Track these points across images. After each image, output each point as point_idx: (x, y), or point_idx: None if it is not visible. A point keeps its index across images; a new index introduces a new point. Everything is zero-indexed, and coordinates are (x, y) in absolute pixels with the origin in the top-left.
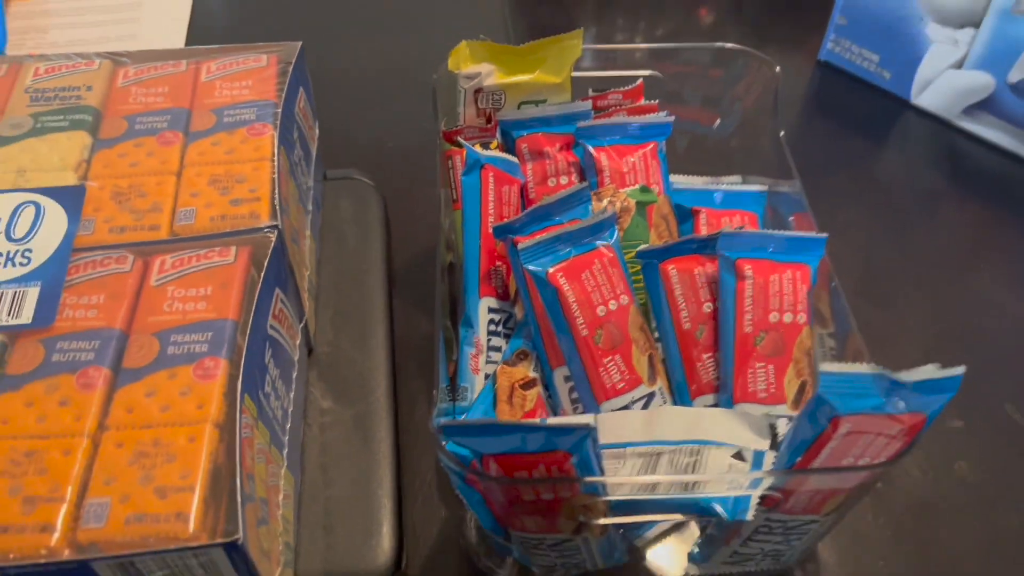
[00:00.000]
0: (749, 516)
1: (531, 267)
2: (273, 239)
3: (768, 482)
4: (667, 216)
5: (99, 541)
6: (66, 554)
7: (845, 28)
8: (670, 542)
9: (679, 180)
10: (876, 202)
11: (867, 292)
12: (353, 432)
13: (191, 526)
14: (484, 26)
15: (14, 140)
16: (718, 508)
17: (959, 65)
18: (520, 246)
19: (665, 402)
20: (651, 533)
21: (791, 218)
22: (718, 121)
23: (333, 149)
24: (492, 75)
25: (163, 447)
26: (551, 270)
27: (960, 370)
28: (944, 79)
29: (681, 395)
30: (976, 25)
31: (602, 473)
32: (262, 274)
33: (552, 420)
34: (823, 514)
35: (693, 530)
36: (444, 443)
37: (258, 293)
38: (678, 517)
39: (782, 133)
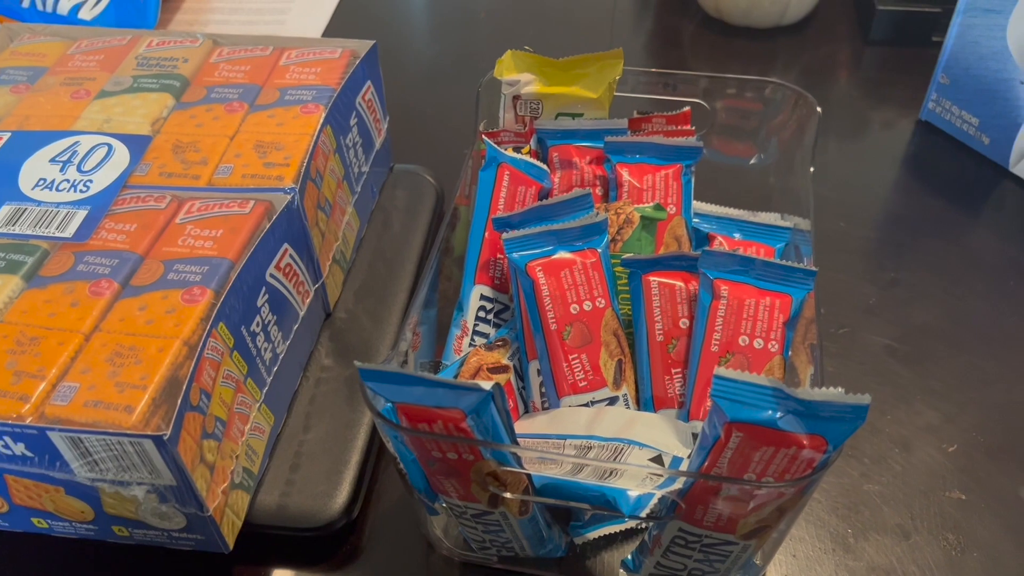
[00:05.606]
0: (643, 513)
1: (513, 256)
2: (288, 199)
3: (657, 481)
4: (680, 237)
5: (60, 416)
6: (29, 420)
7: (947, 88)
8: (612, 547)
9: (708, 208)
10: (958, 268)
11: (906, 349)
12: (343, 390)
13: (133, 418)
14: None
15: (112, 95)
16: (618, 501)
17: None
18: (505, 236)
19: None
20: (592, 534)
21: (807, 259)
22: (756, 155)
23: (411, 146)
24: (531, 84)
25: (136, 352)
26: (531, 263)
27: (866, 399)
28: None
29: (647, 407)
30: None
31: (512, 443)
32: (269, 225)
33: (459, 381)
34: (739, 535)
35: (635, 538)
36: (367, 387)
37: (259, 240)
38: (584, 506)
39: (811, 169)
